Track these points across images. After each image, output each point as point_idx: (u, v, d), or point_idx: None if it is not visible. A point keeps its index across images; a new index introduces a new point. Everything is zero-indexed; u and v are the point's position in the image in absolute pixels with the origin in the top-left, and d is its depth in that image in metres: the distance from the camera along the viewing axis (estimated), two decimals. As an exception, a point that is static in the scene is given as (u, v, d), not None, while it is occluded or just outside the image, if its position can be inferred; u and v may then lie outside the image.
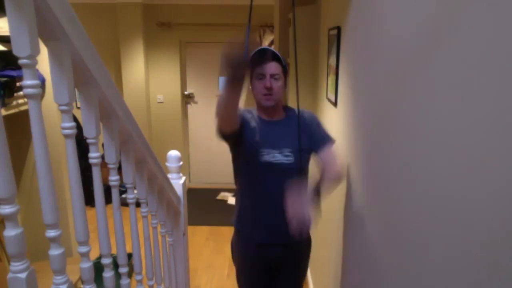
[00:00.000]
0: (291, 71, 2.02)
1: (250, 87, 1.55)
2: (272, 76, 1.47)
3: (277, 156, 1.50)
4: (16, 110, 1.95)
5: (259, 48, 1.49)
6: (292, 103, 1.65)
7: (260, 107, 1.55)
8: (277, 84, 1.48)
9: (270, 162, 1.49)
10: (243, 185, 1.61)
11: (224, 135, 1.46)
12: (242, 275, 1.70)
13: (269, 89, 1.47)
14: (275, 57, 1.47)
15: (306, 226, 1.23)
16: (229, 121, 1.38)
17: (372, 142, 1.19)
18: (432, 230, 0.74)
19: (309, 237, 1.69)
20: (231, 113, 1.35)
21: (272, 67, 1.46)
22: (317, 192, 1.40)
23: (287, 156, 1.50)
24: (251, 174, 1.56)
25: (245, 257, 1.66)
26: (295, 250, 1.62)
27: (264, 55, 1.47)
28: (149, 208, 1.43)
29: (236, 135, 1.47)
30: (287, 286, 1.67)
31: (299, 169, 1.51)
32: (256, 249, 1.60)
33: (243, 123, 1.51)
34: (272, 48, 1.53)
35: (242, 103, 4.61)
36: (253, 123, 1.55)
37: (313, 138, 1.55)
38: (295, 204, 1.26)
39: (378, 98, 1.13)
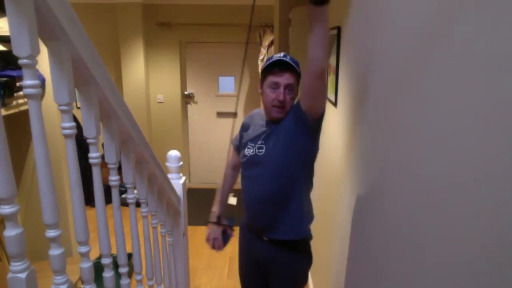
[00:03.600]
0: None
1: (260, 91, 1.52)
2: (286, 87, 1.42)
3: (253, 149, 1.52)
4: (16, 110, 1.95)
5: (276, 58, 1.43)
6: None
7: (268, 112, 1.51)
8: (289, 96, 1.44)
9: (249, 155, 1.54)
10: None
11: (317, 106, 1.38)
12: (239, 267, 1.78)
13: (282, 102, 1.42)
14: (291, 67, 1.42)
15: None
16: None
17: (372, 142, 1.19)
18: (433, 230, 0.75)
19: (305, 250, 1.60)
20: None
21: (288, 78, 1.41)
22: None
23: (259, 148, 1.50)
24: (242, 169, 1.62)
25: (240, 251, 1.75)
26: (283, 252, 1.55)
27: (280, 65, 1.41)
28: (149, 208, 1.43)
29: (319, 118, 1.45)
30: None
31: (273, 163, 1.46)
32: (246, 242, 1.68)
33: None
34: (288, 56, 1.44)
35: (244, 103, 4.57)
36: (253, 126, 1.59)
37: (295, 112, 1.44)
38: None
39: (378, 98, 1.13)
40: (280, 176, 1.47)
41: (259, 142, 1.51)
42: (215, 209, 1.73)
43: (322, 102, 1.38)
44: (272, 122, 1.51)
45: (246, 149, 1.56)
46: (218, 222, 1.70)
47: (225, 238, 1.72)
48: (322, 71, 1.24)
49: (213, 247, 1.70)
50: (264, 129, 1.53)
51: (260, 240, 1.58)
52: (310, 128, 1.43)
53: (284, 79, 1.41)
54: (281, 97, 1.41)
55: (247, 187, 1.58)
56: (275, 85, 1.42)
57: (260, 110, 1.64)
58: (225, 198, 1.76)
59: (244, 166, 1.58)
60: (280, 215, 1.50)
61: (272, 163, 1.47)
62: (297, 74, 1.45)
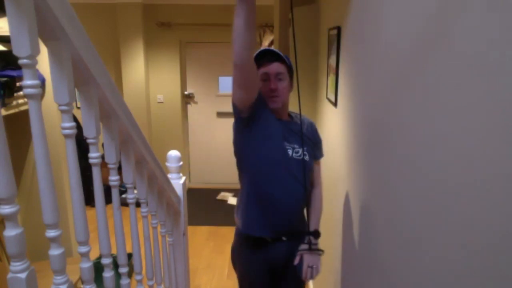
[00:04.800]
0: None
1: None
2: (276, 76, 1.45)
3: (300, 152, 1.51)
4: (16, 110, 1.95)
5: (263, 49, 1.49)
6: (292, 104, 1.64)
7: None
8: (282, 85, 1.47)
9: (293, 157, 1.49)
10: (255, 178, 1.50)
11: (243, 98, 1.36)
12: (247, 280, 1.64)
13: (274, 90, 1.45)
14: (279, 58, 1.47)
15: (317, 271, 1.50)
16: (247, 57, 1.24)
17: (372, 142, 1.19)
18: (433, 229, 0.75)
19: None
20: (249, 42, 1.21)
21: (276, 67, 1.45)
22: (316, 233, 1.52)
23: (305, 154, 1.52)
24: (269, 164, 1.47)
25: (251, 258, 1.59)
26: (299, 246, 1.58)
27: (267, 56, 1.46)
28: (149, 208, 1.43)
29: (252, 107, 1.38)
30: (293, 286, 1.66)
31: (311, 169, 1.57)
32: (264, 246, 1.55)
33: (261, 104, 1.43)
34: (274, 48, 1.52)
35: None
36: (270, 114, 1.48)
37: (314, 148, 1.61)
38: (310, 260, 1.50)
39: (378, 98, 1.13)
40: (308, 181, 1.56)
41: (305, 149, 1.52)
42: None
43: None
44: (285, 120, 1.55)
45: (287, 149, 1.48)
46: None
47: None
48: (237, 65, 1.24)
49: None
50: (287, 127, 1.53)
51: (278, 242, 1.56)
52: None
53: (273, 68, 1.45)
54: (271, 86, 1.44)
55: (279, 191, 1.48)
56: (266, 76, 1.46)
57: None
58: None
59: (279, 161, 1.47)
60: (303, 214, 1.61)
61: (309, 171, 1.55)
62: (286, 65, 1.48)
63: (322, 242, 2.13)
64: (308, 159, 1.52)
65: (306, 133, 1.57)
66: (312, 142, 1.58)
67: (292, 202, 1.51)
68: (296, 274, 1.62)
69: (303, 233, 1.56)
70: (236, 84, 1.33)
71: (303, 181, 1.50)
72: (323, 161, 1.76)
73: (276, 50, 1.48)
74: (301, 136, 1.51)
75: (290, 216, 1.53)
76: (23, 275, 0.73)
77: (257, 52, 1.46)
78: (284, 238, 1.55)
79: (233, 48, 1.21)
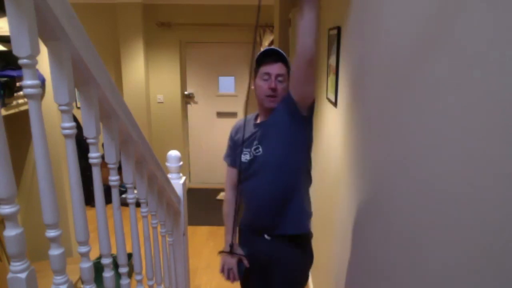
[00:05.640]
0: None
1: (253, 87, 1.55)
2: (277, 77, 1.46)
3: (250, 153, 1.53)
4: (16, 110, 1.95)
5: (268, 48, 1.51)
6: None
7: (261, 107, 1.55)
8: (281, 86, 1.48)
9: (247, 160, 1.54)
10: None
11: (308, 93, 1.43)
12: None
13: (274, 90, 1.46)
14: (282, 58, 1.47)
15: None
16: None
17: (372, 142, 1.19)
18: (433, 230, 0.75)
19: (306, 247, 1.62)
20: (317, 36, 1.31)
21: (278, 68, 1.46)
22: None
23: (256, 149, 1.51)
24: (240, 175, 1.61)
25: (243, 245, 1.69)
26: (284, 248, 1.57)
27: (271, 55, 1.47)
28: (149, 208, 1.43)
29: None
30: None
31: (273, 160, 1.49)
32: (246, 243, 1.65)
33: (236, 146, 1.62)
34: (279, 49, 1.52)
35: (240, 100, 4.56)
36: (241, 135, 1.59)
37: (288, 101, 1.47)
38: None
39: (378, 98, 1.13)
40: (281, 173, 1.50)
41: (255, 143, 1.52)
42: (228, 238, 1.65)
43: (312, 89, 1.43)
44: (261, 123, 1.55)
45: (242, 155, 1.56)
46: (231, 252, 1.62)
47: (240, 268, 1.61)
48: (311, 58, 1.30)
49: (228, 278, 1.62)
50: (254, 130, 1.55)
51: (261, 238, 1.58)
52: (304, 118, 1.46)
53: (275, 68, 1.46)
54: (272, 85, 1.46)
55: (249, 188, 1.58)
56: (267, 75, 1.47)
57: (243, 119, 1.62)
58: (235, 225, 1.67)
59: (243, 170, 1.57)
60: (283, 212, 1.52)
61: (272, 161, 1.49)
62: (287, 67, 1.49)
63: (321, 243, 2.13)
64: (260, 152, 1.49)
65: (274, 121, 1.49)
66: (277, 129, 1.49)
67: (258, 202, 1.55)
68: (281, 277, 1.60)
69: None
70: (311, 79, 1.37)
71: (269, 176, 1.50)
72: (321, 160, 1.76)
73: (281, 51, 1.48)
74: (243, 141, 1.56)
75: (262, 214, 1.56)
76: (23, 275, 0.73)
77: (262, 51, 1.50)
78: (266, 236, 1.56)
79: (307, 43, 1.27)
